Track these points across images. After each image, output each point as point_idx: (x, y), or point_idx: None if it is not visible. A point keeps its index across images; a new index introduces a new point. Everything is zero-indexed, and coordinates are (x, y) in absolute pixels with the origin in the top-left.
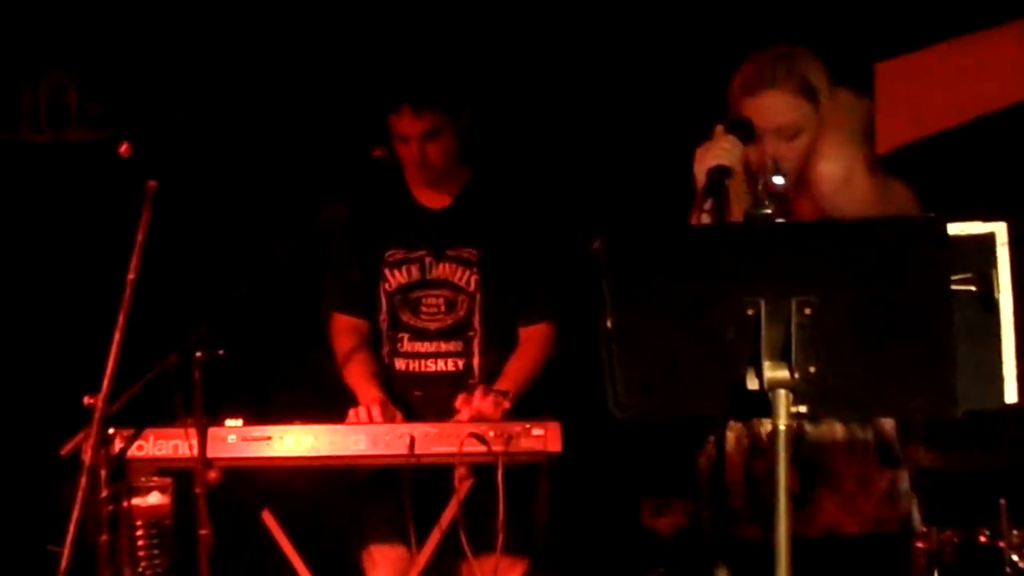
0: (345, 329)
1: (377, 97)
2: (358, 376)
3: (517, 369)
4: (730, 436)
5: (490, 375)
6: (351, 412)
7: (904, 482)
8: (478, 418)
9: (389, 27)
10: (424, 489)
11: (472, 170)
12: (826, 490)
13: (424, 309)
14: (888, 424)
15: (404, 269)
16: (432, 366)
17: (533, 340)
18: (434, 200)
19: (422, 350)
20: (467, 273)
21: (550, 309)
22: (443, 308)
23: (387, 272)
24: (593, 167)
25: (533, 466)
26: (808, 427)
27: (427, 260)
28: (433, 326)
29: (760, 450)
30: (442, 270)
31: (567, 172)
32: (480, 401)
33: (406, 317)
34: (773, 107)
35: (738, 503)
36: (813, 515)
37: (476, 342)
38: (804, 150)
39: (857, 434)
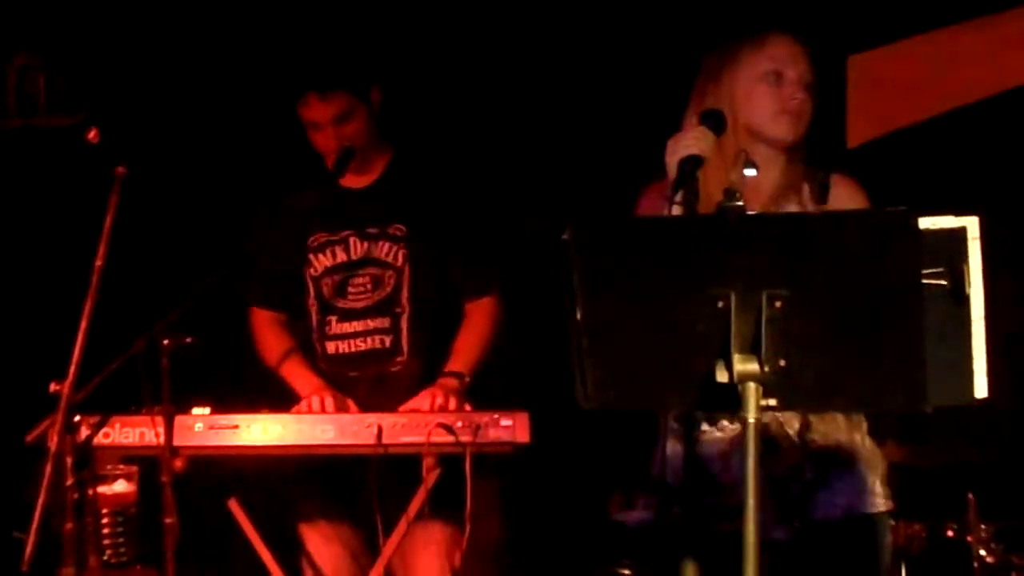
0: (266, 323)
1: (283, 89)
2: (294, 368)
3: (468, 346)
4: (719, 435)
5: (418, 352)
6: (299, 405)
7: (884, 462)
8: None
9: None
10: (386, 477)
11: (394, 147)
12: (839, 474)
13: (351, 289)
14: None
15: (328, 252)
16: (361, 345)
17: (479, 314)
18: (356, 181)
19: (351, 330)
20: (394, 249)
21: (492, 282)
22: (370, 286)
23: (311, 257)
24: (559, 158)
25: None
26: (813, 417)
27: (352, 240)
28: (360, 304)
29: (776, 448)
30: (368, 249)
31: (523, 159)
32: (438, 400)
33: (334, 299)
34: (801, 52)
35: (731, 501)
36: (831, 499)
37: (404, 318)
38: (812, 109)
39: (856, 422)
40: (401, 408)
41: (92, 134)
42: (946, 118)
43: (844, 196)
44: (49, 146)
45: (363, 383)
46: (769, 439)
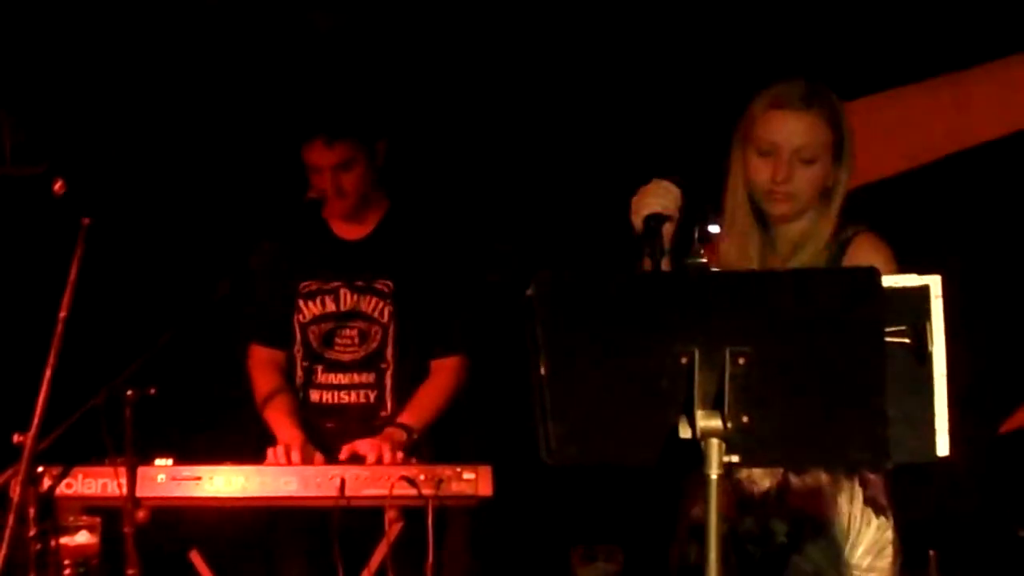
0: (263, 362)
1: (292, 129)
2: (278, 414)
3: (423, 402)
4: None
5: (402, 407)
6: (270, 452)
7: (890, 532)
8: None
9: (305, 60)
10: (347, 529)
11: (390, 202)
12: (813, 539)
13: (338, 341)
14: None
15: (318, 300)
16: (345, 398)
17: (442, 373)
18: (351, 232)
19: (336, 382)
20: (381, 304)
21: (460, 342)
22: (357, 340)
23: (301, 303)
24: (528, 208)
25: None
26: (793, 477)
27: (342, 291)
28: (347, 358)
29: (747, 507)
30: (357, 302)
31: (495, 208)
32: (374, 449)
33: (320, 349)
34: (799, 125)
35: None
36: (799, 564)
37: (389, 374)
38: (817, 181)
39: (843, 483)
40: (343, 450)
41: (58, 185)
42: (912, 174)
43: (860, 256)
44: (13, 196)
45: (342, 436)
46: (742, 498)
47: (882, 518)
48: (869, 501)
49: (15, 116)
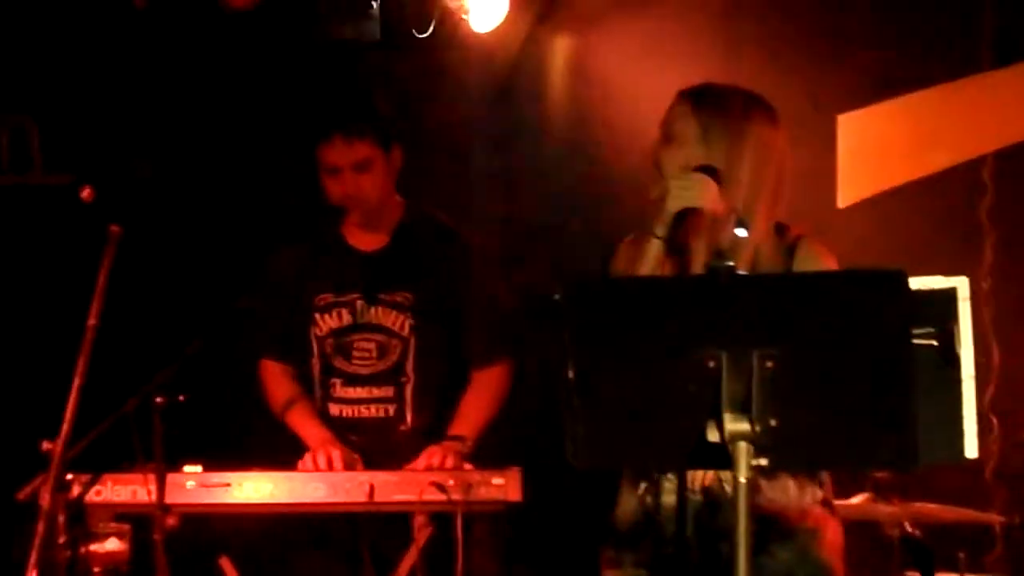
0: (276, 375)
1: (311, 136)
2: (302, 418)
3: (473, 410)
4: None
5: (422, 422)
6: (306, 457)
7: (840, 529)
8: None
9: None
10: (376, 535)
11: (406, 211)
12: (780, 542)
13: (356, 354)
14: (826, 475)
15: (335, 313)
16: (365, 412)
17: (487, 380)
18: (367, 242)
19: (354, 395)
20: (400, 318)
21: (501, 349)
22: (375, 353)
23: (317, 317)
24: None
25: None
26: (763, 482)
27: (359, 304)
28: (365, 371)
29: (716, 504)
30: (374, 314)
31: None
32: (435, 458)
33: (338, 362)
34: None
35: (696, 558)
36: (768, 564)
37: (409, 388)
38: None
39: (807, 488)
40: (406, 468)
41: (86, 192)
42: (937, 177)
43: (811, 259)
44: (43, 204)
45: (364, 449)
46: (712, 500)
47: (837, 519)
48: (826, 503)
49: (45, 123)
